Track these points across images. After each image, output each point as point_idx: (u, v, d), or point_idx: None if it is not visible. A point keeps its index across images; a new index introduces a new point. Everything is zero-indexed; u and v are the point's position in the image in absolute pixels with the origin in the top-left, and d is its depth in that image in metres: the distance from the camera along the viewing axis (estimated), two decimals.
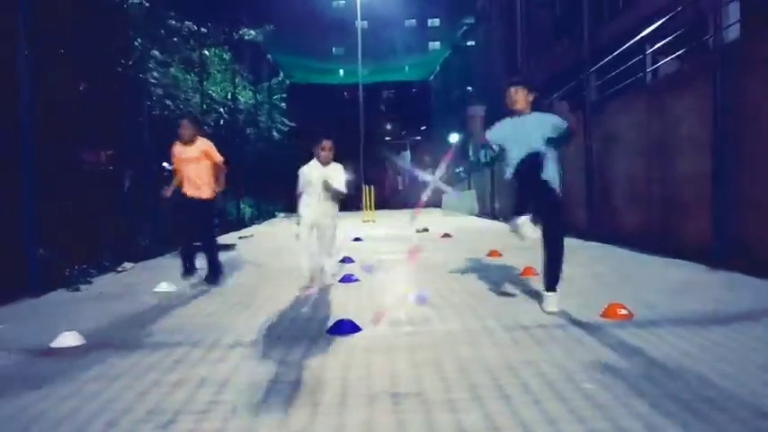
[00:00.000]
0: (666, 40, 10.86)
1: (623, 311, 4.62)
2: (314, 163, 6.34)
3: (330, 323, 4.60)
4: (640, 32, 11.50)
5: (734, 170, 6.86)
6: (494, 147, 5.21)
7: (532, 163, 4.85)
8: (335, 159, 6.33)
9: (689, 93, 7.96)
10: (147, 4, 11.07)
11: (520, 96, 5.05)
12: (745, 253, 6.68)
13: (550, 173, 4.89)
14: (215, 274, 7.02)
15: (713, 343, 3.81)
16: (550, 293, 4.94)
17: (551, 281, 4.94)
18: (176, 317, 5.25)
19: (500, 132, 5.17)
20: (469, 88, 35.42)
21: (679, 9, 9.12)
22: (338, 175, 6.29)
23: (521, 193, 5.05)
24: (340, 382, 3.30)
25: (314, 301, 5.82)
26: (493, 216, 20.31)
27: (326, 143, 6.27)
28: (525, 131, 4.97)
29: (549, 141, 4.87)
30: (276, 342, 4.22)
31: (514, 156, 4.99)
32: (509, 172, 5.10)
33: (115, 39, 10.69)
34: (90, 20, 10.03)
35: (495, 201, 20.64)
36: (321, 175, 6.20)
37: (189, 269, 6.85)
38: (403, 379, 3.32)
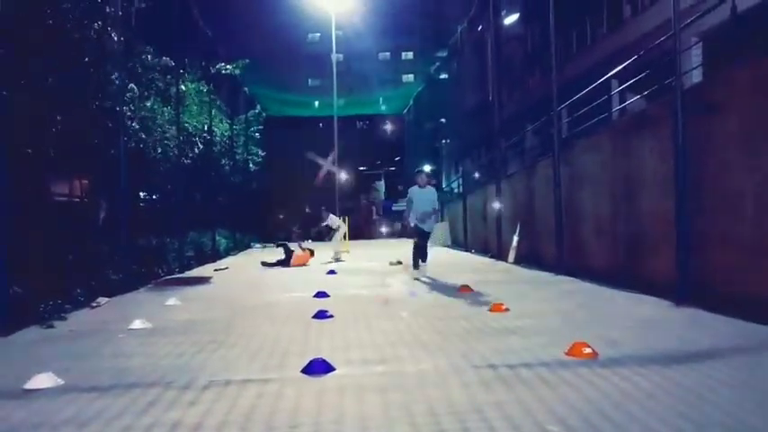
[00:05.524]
0: (630, 82, 11.23)
1: (588, 350, 4.77)
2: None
3: (303, 362, 4.67)
4: (608, 70, 11.87)
5: (696, 209, 7.10)
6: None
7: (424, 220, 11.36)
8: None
9: (652, 133, 8.24)
10: (122, 39, 11.15)
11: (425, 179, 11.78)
12: (708, 290, 6.89)
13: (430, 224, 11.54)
14: None
15: (673, 383, 3.96)
16: (424, 263, 11.49)
17: (424, 259, 11.49)
18: (150, 356, 5.27)
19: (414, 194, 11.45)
20: (443, 120, 35.95)
21: (642, 53, 9.46)
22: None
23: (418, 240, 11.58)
24: (312, 425, 3.38)
25: (288, 338, 5.88)
26: (465, 248, 20.50)
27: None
28: (425, 198, 11.39)
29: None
30: (249, 383, 4.28)
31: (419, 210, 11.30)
32: (413, 221, 11.41)
33: (92, 73, 10.75)
34: (67, 53, 10.10)
35: (467, 233, 20.85)
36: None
37: None
38: (373, 422, 3.40)
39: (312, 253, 16.13)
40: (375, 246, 26.52)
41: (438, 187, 17.85)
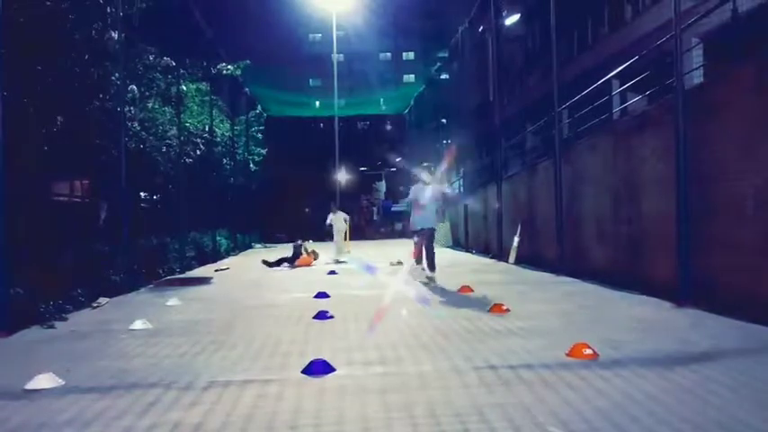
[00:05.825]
0: (632, 82, 11.21)
1: (588, 351, 4.76)
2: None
3: (304, 363, 4.67)
4: (608, 70, 11.85)
5: (698, 210, 7.08)
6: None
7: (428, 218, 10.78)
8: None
9: (653, 133, 8.23)
10: (123, 35, 11.12)
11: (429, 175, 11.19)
12: (709, 291, 6.88)
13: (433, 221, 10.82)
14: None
15: (675, 385, 3.95)
16: (433, 273, 10.54)
17: (432, 267, 10.59)
18: (151, 357, 5.27)
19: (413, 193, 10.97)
20: (444, 120, 35.90)
21: (643, 53, 9.45)
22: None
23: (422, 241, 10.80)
24: (312, 426, 3.38)
25: (289, 338, 5.88)
26: (466, 248, 20.50)
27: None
28: (429, 195, 10.74)
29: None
30: (249, 384, 4.28)
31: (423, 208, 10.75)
32: (415, 224, 10.87)
33: (92, 73, 10.75)
34: (68, 54, 10.10)
35: (468, 233, 20.85)
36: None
37: None
38: (374, 423, 3.40)
39: (316, 256, 16.18)
40: (375, 246, 26.52)
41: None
